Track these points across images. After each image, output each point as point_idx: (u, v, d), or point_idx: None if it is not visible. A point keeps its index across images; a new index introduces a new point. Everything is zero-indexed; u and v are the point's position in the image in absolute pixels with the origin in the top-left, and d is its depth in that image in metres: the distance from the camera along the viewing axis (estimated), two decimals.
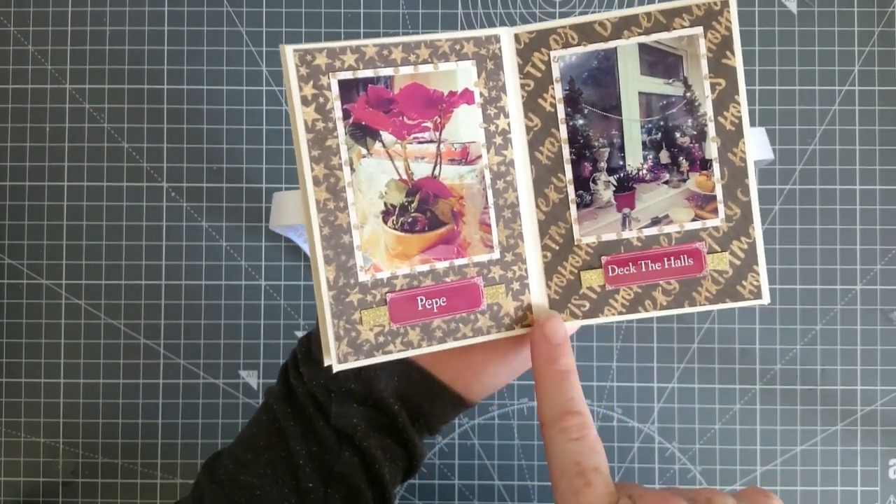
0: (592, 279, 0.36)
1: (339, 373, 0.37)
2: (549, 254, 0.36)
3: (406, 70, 0.34)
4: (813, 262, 0.56)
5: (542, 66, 0.35)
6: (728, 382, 0.56)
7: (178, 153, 0.57)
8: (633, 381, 0.57)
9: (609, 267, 0.36)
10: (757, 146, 0.36)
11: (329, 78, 0.34)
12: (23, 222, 0.57)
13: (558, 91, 0.35)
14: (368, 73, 0.34)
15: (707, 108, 0.35)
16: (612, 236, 0.36)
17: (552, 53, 0.35)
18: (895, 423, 0.56)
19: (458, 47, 0.35)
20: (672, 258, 0.35)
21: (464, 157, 0.35)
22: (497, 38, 0.35)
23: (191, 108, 0.57)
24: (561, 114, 0.35)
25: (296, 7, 0.58)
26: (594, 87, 0.35)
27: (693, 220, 0.35)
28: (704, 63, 0.34)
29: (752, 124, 0.56)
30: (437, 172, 0.35)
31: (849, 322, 0.56)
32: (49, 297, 0.57)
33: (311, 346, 0.39)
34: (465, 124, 0.35)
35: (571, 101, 0.35)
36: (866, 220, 0.56)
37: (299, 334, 0.57)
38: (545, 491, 0.56)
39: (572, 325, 0.37)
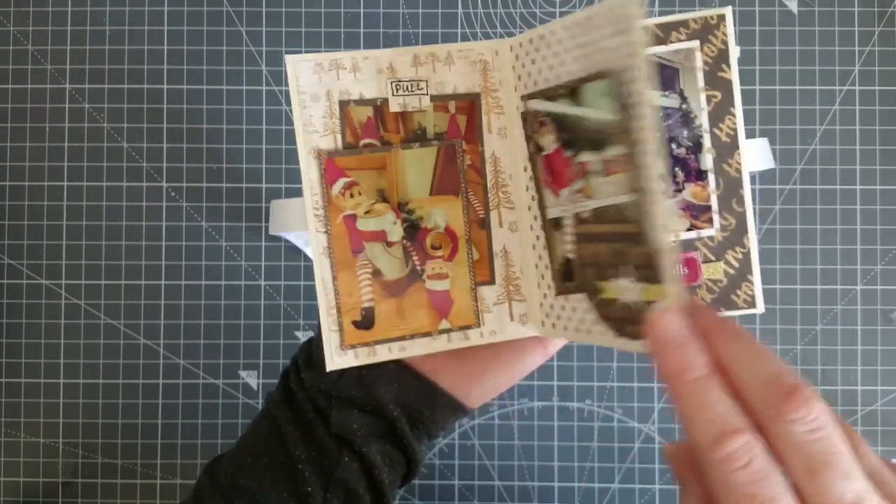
0: None
1: (339, 379, 0.37)
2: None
3: None
4: (813, 262, 0.56)
5: None
6: None
7: (178, 153, 0.57)
8: (634, 381, 0.57)
9: None
10: (758, 157, 0.36)
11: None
12: (23, 222, 0.57)
13: None
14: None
15: (703, 119, 0.35)
16: None
17: None
18: (895, 423, 0.56)
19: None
20: None
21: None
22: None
23: (190, 108, 0.57)
24: None
25: (296, 7, 0.57)
26: None
27: (688, 229, 0.35)
28: (700, 76, 0.35)
29: (753, 126, 0.56)
30: None
31: (849, 322, 0.56)
32: (49, 297, 0.57)
33: (311, 351, 0.39)
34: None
35: None
36: (866, 220, 0.56)
37: (299, 334, 0.57)
38: (545, 491, 0.56)
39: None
